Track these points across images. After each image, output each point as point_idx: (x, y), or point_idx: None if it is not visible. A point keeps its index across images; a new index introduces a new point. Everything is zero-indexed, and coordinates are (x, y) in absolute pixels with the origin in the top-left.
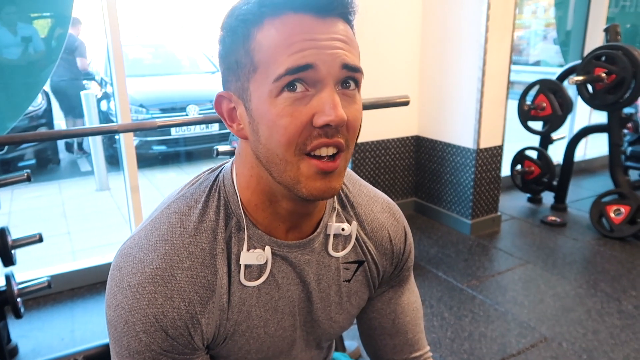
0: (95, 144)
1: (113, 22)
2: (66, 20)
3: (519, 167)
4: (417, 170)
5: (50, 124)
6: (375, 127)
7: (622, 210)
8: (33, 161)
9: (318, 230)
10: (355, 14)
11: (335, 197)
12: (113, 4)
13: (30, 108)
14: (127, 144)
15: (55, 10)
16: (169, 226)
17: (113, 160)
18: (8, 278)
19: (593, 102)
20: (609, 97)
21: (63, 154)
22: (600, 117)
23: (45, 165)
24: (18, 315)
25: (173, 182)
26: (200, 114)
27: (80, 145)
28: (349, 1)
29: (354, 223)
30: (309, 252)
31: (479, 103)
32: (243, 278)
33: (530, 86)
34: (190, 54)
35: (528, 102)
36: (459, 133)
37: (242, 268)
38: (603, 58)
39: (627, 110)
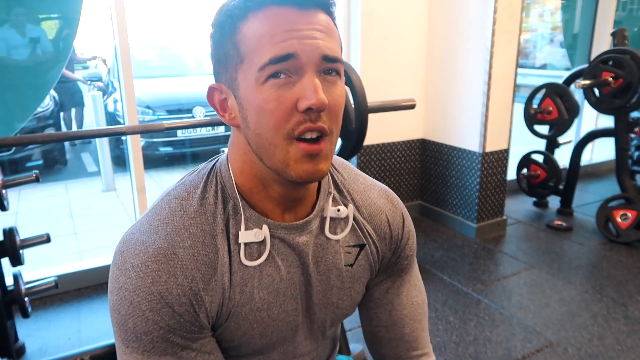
0: (102, 145)
1: (121, 24)
2: (74, 21)
3: (525, 170)
4: (423, 173)
5: (57, 125)
6: (381, 130)
7: (629, 215)
8: (41, 161)
9: (314, 212)
10: (335, 5)
11: (331, 183)
12: (121, 6)
13: (38, 109)
14: (134, 145)
15: (64, 11)
16: (169, 210)
17: (119, 161)
18: (16, 277)
19: (600, 106)
20: (616, 102)
21: (70, 154)
22: (607, 121)
23: (52, 166)
24: (25, 315)
25: None
26: (206, 116)
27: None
28: None
29: (351, 206)
30: (306, 234)
31: (485, 106)
32: (244, 257)
33: (536, 90)
34: (197, 56)
35: (534, 106)
36: (465, 136)
37: (242, 247)
38: (610, 62)
39: (634, 114)
